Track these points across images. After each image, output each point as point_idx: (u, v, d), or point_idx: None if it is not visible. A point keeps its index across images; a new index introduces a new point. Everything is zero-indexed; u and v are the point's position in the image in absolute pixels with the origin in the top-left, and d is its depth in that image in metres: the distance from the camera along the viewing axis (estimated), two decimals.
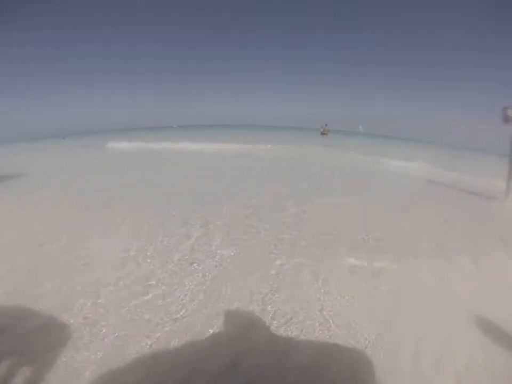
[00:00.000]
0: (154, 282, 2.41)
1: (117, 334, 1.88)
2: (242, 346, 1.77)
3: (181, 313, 2.06)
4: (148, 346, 1.78)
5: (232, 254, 2.83)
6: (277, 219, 3.75)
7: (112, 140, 15.29)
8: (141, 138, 16.51)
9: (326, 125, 24.84)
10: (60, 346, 1.76)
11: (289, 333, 1.90)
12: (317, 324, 1.99)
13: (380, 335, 1.91)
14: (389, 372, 1.64)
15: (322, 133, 24.49)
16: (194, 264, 2.67)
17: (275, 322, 1.99)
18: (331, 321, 2.00)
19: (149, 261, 2.71)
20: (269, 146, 11.76)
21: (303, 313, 2.09)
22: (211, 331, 1.89)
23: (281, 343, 1.82)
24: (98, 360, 1.69)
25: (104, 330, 1.90)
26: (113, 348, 1.77)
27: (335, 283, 2.43)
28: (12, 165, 8.94)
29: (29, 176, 6.67)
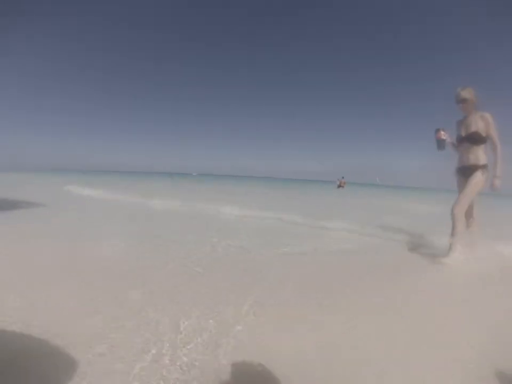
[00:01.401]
0: None
1: None
2: None
3: None
4: None
5: None
6: None
7: (73, 184, 12.07)
8: (124, 187, 13.47)
9: (342, 177, 24.41)
10: None
11: None
12: None
13: None
14: None
15: (339, 186, 23.79)
16: None
17: None
18: None
19: None
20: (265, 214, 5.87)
21: None
22: None
23: None
24: None
25: None
26: None
27: None
28: None
29: None
